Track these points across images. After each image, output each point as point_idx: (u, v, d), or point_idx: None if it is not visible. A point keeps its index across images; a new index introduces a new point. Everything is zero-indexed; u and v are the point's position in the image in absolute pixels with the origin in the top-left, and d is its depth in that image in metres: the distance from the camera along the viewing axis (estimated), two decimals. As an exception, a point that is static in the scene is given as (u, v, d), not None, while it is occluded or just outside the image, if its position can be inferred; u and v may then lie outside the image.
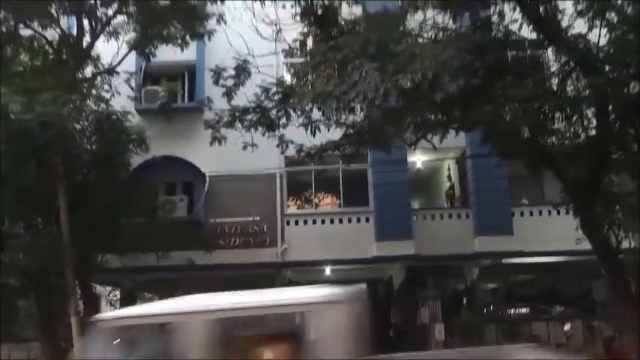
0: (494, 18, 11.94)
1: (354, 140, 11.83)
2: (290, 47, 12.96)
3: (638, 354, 10.20)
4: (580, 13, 11.30)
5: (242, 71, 12.00)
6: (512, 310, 19.55)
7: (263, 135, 11.76)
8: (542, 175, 14.26)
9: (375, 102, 9.18)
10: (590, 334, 17.21)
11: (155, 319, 5.17)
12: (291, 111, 10.88)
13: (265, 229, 17.29)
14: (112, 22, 13.86)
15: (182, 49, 14.95)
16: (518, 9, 11.49)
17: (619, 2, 11.05)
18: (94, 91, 14.30)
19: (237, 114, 11.47)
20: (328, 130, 11.32)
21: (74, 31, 13.71)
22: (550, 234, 15.95)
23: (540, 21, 11.24)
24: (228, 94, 11.85)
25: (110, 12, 13.56)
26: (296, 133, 11.57)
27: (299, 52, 12.98)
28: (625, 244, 11.69)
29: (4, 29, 12.54)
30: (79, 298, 13.35)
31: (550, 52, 12.15)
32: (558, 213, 14.03)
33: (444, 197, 20.02)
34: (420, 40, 11.19)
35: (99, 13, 13.55)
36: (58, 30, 13.56)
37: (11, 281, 12.59)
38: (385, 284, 19.55)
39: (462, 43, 10.54)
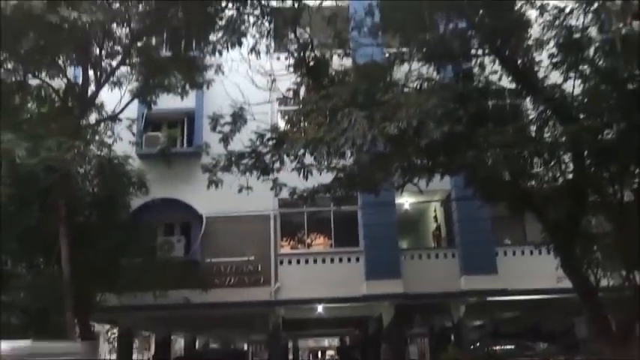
0: (476, 69, 12.16)
1: (344, 183, 11.83)
2: (284, 96, 13.06)
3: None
4: (555, 65, 11.51)
5: (238, 118, 12.10)
6: (498, 347, 19.34)
7: (258, 178, 11.74)
8: (523, 216, 14.32)
9: (363, 148, 9.19)
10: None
11: None
12: (285, 156, 10.88)
13: (259, 269, 17.14)
14: (115, 73, 13.98)
15: (182, 98, 15.11)
16: (497, 61, 11.72)
17: (591, 55, 11.31)
18: (97, 137, 14.38)
19: (233, 158, 11.48)
20: (320, 174, 11.31)
21: (80, 81, 13.80)
22: (532, 273, 15.89)
23: (518, 72, 11.45)
24: (225, 139, 11.90)
25: (114, 63, 13.69)
26: (289, 176, 11.57)
27: (292, 101, 13.09)
28: (603, 283, 11.61)
29: (14, 79, 12.59)
30: (77, 337, 13.10)
31: (528, 101, 12.34)
32: (540, 253, 13.96)
33: (430, 238, 19.99)
34: (405, 89, 11.31)
35: (104, 64, 13.68)
36: (65, 79, 13.66)
37: (12, 320, 12.39)
38: (375, 322, 19.32)
39: (446, 92, 10.66)
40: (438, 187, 14.58)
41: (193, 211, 17.33)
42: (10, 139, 10.86)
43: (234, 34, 12.02)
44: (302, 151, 10.40)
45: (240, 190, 11.97)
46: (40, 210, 13.55)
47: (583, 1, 11.42)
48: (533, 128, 11.36)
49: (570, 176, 11.28)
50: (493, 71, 11.83)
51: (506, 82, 11.95)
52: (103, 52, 13.36)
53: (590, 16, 11.46)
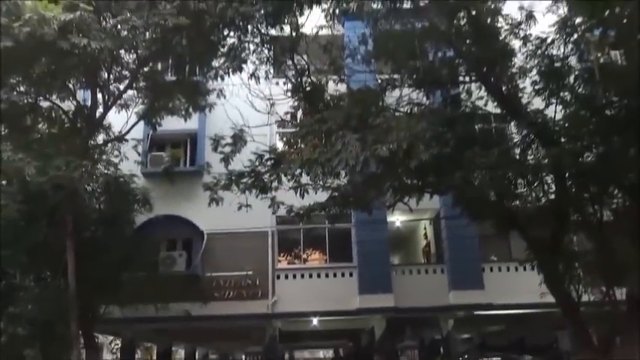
0: (463, 95, 12.27)
1: (338, 202, 11.82)
2: (282, 119, 13.12)
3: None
4: (538, 92, 11.63)
5: (238, 139, 12.14)
6: (485, 359, 19.21)
7: (257, 197, 11.73)
8: (508, 234, 14.31)
9: (356, 168, 9.19)
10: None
11: None
12: (282, 175, 10.89)
13: (257, 283, 17.05)
14: (123, 96, 13.99)
15: (185, 120, 15.12)
16: (483, 88, 11.82)
17: (572, 83, 11.42)
18: (104, 157, 14.35)
19: (233, 178, 11.48)
20: (315, 193, 11.30)
21: (89, 103, 13.81)
22: (517, 288, 15.84)
23: (503, 98, 11.54)
24: (226, 159, 11.93)
25: (122, 86, 13.71)
26: (286, 195, 11.57)
27: (290, 123, 13.14)
28: (585, 298, 11.58)
29: (26, 101, 12.61)
30: (82, 347, 12.97)
31: (512, 126, 12.42)
32: (524, 269, 13.94)
33: (420, 254, 19.98)
34: (396, 114, 11.40)
35: (112, 88, 13.69)
36: (74, 102, 13.67)
37: (19, 331, 12.28)
38: (367, 334, 19.19)
39: (434, 116, 10.76)
40: (428, 206, 14.61)
41: (195, 227, 17.28)
42: (22, 158, 10.85)
43: (236, 61, 12.04)
44: (298, 171, 10.41)
45: (239, 208, 11.98)
46: (48, 225, 13.51)
47: (563, 32, 11.57)
48: (517, 151, 11.42)
49: (553, 197, 11.32)
50: (479, 97, 11.94)
51: (492, 108, 12.04)
52: (111, 76, 13.38)
53: (570, 46, 11.62)
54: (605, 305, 10.94)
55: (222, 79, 12.98)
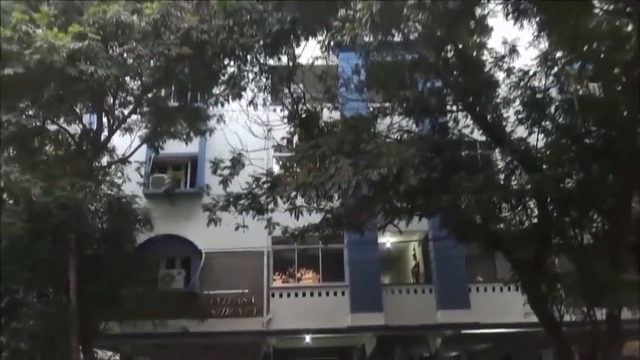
0: (450, 123, 12.36)
1: (331, 223, 11.80)
2: (278, 144, 13.16)
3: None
4: (521, 121, 11.76)
5: (237, 163, 12.10)
6: (472, 377, 19.02)
7: (253, 218, 11.70)
8: (493, 255, 14.32)
9: (349, 192, 9.23)
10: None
11: None
12: (278, 197, 10.89)
13: (253, 301, 16.88)
14: (127, 120, 14.02)
15: (186, 144, 15.14)
16: (469, 116, 11.92)
17: (552, 113, 11.55)
18: (108, 178, 14.30)
19: (231, 199, 11.47)
20: (310, 215, 11.31)
21: (94, 127, 13.82)
22: (503, 308, 15.75)
23: (488, 127, 11.64)
24: (224, 182, 11.88)
25: (126, 111, 13.74)
26: (282, 216, 11.55)
27: (286, 148, 13.16)
28: (567, 318, 11.53)
29: (34, 124, 12.61)
30: (81, 362, 12.78)
31: (497, 152, 12.50)
32: (509, 289, 13.92)
33: (410, 274, 19.84)
34: (387, 140, 11.47)
35: (116, 112, 13.72)
36: (81, 125, 13.68)
37: (21, 345, 12.11)
38: (359, 352, 18.93)
39: (423, 143, 10.84)
40: (417, 228, 14.59)
41: (194, 246, 17.15)
42: (28, 178, 10.81)
43: (235, 88, 12.12)
44: (294, 193, 10.42)
45: (237, 228, 11.93)
46: (52, 243, 13.42)
47: (545, 66, 11.73)
48: (501, 176, 11.50)
49: (535, 220, 11.36)
50: (466, 125, 12.03)
51: (478, 135, 12.14)
52: (117, 101, 13.41)
53: (551, 78, 11.78)
54: (587, 325, 10.88)
55: (222, 105, 13.03)
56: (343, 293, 17.13)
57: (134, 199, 15.11)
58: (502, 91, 12.09)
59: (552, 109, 11.51)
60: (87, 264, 13.17)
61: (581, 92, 11.12)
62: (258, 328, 16.60)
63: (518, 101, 11.87)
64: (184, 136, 14.69)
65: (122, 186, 14.79)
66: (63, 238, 13.01)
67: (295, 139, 12.63)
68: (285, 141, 12.79)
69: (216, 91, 12.91)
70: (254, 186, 11.28)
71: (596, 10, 10.32)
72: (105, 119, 13.67)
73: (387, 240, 18.36)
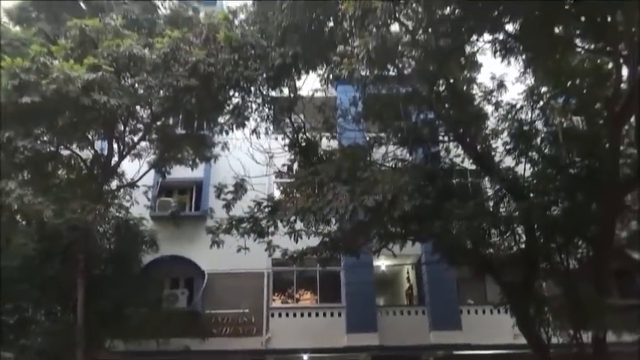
0: (442, 153, 12.43)
1: (329, 247, 11.76)
2: (279, 170, 13.18)
3: None
4: (509, 152, 11.83)
5: (239, 188, 12.12)
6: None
7: (254, 240, 11.67)
8: (484, 279, 14.24)
9: (345, 217, 9.24)
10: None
11: None
12: (278, 221, 10.88)
13: (253, 320, 16.68)
14: (136, 146, 14.09)
15: (192, 169, 15.13)
16: (460, 146, 12.00)
17: (538, 144, 11.63)
18: (116, 201, 14.26)
19: (233, 222, 11.45)
20: (308, 238, 11.26)
21: (105, 152, 13.86)
22: (493, 329, 15.56)
23: (478, 156, 11.71)
24: (228, 206, 11.89)
25: (136, 138, 13.80)
26: (282, 239, 11.51)
27: (286, 175, 13.19)
28: (554, 340, 11.42)
29: (48, 149, 12.65)
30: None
31: (486, 181, 12.54)
32: (499, 312, 13.77)
33: (404, 296, 19.67)
34: (382, 168, 11.50)
35: (127, 139, 13.77)
36: (92, 151, 13.72)
37: (28, 362, 11.98)
38: (354, 371, 18.70)
39: (417, 171, 10.88)
40: (410, 251, 14.54)
41: (197, 267, 17.03)
42: (41, 201, 10.81)
43: (239, 118, 12.19)
44: (293, 217, 10.43)
45: (238, 250, 11.87)
46: (61, 263, 13.33)
47: (531, 100, 11.87)
48: (490, 204, 11.48)
49: (523, 246, 11.32)
50: (457, 155, 12.11)
51: (468, 164, 12.20)
52: (127, 128, 13.48)
53: (536, 112, 11.91)
54: (573, 347, 10.77)
55: (227, 133, 13.11)
56: (340, 314, 16.96)
57: (141, 222, 15.06)
58: (491, 123, 12.22)
59: (538, 140, 11.60)
60: (94, 283, 13.07)
61: (565, 125, 11.27)
62: (257, 347, 16.36)
63: (506, 133, 11.96)
64: (190, 162, 14.72)
65: (130, 209, 14.74)
66: (72, 258, 12.94)
67: (295, 166, 12.67)
68: (285, 168, 12.84)
69: (221, 120, 13.01)
70: (255, 210, 11.28)
71: (579, 49, 10.53)
72: (115, 145, 13.72)
73: (382, 263, 18.28)
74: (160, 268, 16.41)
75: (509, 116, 11.95)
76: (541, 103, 11.71)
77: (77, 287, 12.51)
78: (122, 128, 13.40)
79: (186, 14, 14.21)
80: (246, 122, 12.48)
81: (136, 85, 12.02)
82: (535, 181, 11.14)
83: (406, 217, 9.29)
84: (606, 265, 10.72)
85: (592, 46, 10.17)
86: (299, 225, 10.67)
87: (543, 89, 11.69)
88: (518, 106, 11.94)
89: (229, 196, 11.95)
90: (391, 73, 11.46)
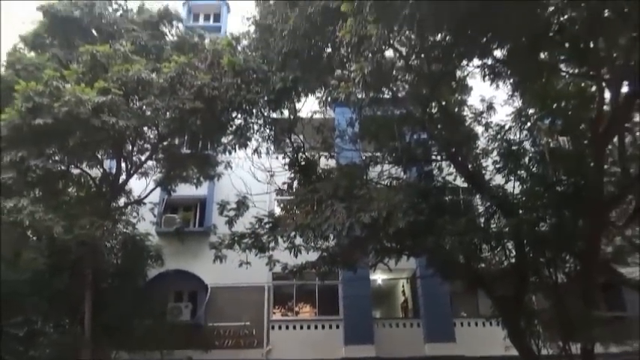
0: (435, 171, 12.44)
1: (327, 261, 11.70)
2: (280, 188, 13.18)
3: None
4: (498, 170, 11.83)
5: (241, 205, 12.13)
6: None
7: (256, 255, 11.62)
8: (476, 292, 14.13)
9: (343, 233, 9.21)
10: None
11: None
12: (279, 237, 10.84)
13: (254, 333, 16.54)
14: (143, 165, 14.12)
15: (196, 187, 15.18)
16: (452, 165, 12.01)
17: (527, 163, 11.66)
18: (124, 217, 14.25)
19: (236, 238, 11.40)
20: (307, 253, 11.20)
21: (113, 171, 13.91)
22: (485, 341, 15.45)
23: (469, 175, 11.71)
24: (230, 222, 11.87)
25: (143, 157, 13.86)
26: (282, 254, 11.47)
27: (286, 192, 13.17)
28: (544, 352, 11.31)
29: (59, 168, 12.68)
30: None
31: (477, 198, 12.53)
32: (491, 324, 13.71)
33: (399, 309, 19.54)
34: (378, 186, 11.50)
35: (134, 158, 13.83)
36: (101, 170, 13.76)
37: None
38: (352, 382, 18.47)
39: (411, 189, 10.87)
40: (405, 266, 14.44)
41: (200, 281, 16.95)
42: (51, 218, 10.80)
43: (242, 138, 12.26)
44: (293, 233, 10.39)
45: (240, 265, 11.82)
46: (70, 277, 13.27)
47: (519, 121, 11.93)
48: (481, 220, 11.45)
49: (513, 260, 11.28)
50: (449, 173, 12.09)
51: (460, 182, 12.19)
52: (135, 148, 13.54)
53: (524, 132, 11.95)
54: (563, 358, 10.67)
55: (230, 153, 13.13)
56: (338, 326, 16.82)
57: (147, 237, 15.05)
58: (481, 143, 12.24)
59: (526, 159, 11.62)
60: (101, 296, 13.01)
61: (551, 145, 11.30)
62: (258, 359, 16.21)
63: (495, 152, 11.98)
64: (195, 180, 14.77)
65: (137, 225, 14.73)
66: (80, 272, 12.89)
67: (295, 184, 12.65)
68: (285, 186, 12.81)
69: (224, 140, 13.05)
70: (257, 226, 11.25)
71: (563, 73, 10.63)
72: (123, 164, 13.77)
73: (378, 277, 18.19)
74: (164, 281, 16.33)
75: (499, 136, 11.99)
76: (528, 124, 11.76)
77: (85, 300, 12.44)
78: (130, 148, 13.46)
79: (192, 41, 14.38)
80: (248, 142, 12.55)
81: (144, 107, 12.10)
82: (524, 199, 11.14)
83: (401, 232, 9.25)
84: (593, 279, 10.67)
85: (576, 71, 10.26)
86: (298, 240, 10.62)
87: (530, 111, 11.76)
88: (506, 127, 11.98)
89: (232, 213, 11.93)
90: (386, 95, 11.54)
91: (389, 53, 9.99)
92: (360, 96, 10.46)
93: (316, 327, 16.95)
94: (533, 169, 11.43)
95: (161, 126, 12.42)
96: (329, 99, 11.71)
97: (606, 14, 8.13)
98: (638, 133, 11.46)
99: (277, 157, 13.18)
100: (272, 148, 13.06)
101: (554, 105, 11.10)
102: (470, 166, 11.76)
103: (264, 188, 13.21)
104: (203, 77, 11.59)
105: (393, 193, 9.67)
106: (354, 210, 9.12)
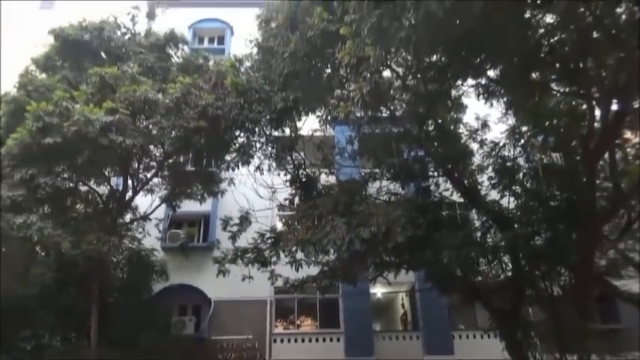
0: (432, 187, 12.44)
1: (328, 275, 11.63)
2: (281, 204, 13.18)
3: None
4: (494, 186, 11.84)
5: (244, 221, 12.09)
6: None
7: (258, 269, 11.56)
8: (473, 305, 14.02)
9: (343, 247, 9.17)
10: None
11: None
12: (280, 252, 10.81)
13: (256, 346, 16.38)
14: (149, 182, 14.14)
15: (200, 203, 15.15)
16: (449, 181, 12.02)
17: (521, 179, 11.67)
18: (130, 233, 14.23)
19: (238, 253, 11.35)
20: (308, 267, 11.14)
21: (120, 188, 13.91)
22: (483, 354, 15.25)
23: (465, 190, 11.71)
24: (233, 237, 11.84)
25: (149, 175, 13.89)
26: (283, 268, 11.41)
27: (288, 208, 13.17)
28: (541, 364, 11.20)
29: (68, 185, 12.68)
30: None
31: (474, 213, 12.51)
32: (488, 337, 13.55)
33: (398, 322, 19.38)
34: (377, 202, 11.49)
35: (140, 175, 13.86)
36: (108, 187, 13.77)
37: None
38: (353, 394, 18.21)
39: (409, 204, 10.85)
40: (404, 279, 14.38)
41: (204, 295, 16.85)
42: (59, 233, 10.78)
43: (244, 156, 12.29)
44: (294, 248, 10.36)
45: (243, 279, 11.74)
46: (76, 291, 13.19)
47: (512, 138, 11.97)
48: (478, 234, 11.43)
49: (509, 273, 11.23)
50: (446, 189, 12.10)
51: (456, 198, 12.18)
52: (141, 166, 13.58)
53: (518, 149, 11.97)
54: (559, 370, 10.55)
55: (233, 170, 13.18)
56: (338, 339, 16.67)
57: (152, 252, 15.01)
58: (476, 159, 12.27)
59: (520, 175, 11.63)
60: (107, 311, 12.92)
61: (544, 161, 11.32)
62: (260, 372, 16.05)
63: (490, 168, 12.01)
64: (199, 197, 14.76)
65: (142, 240, 14.70)
66: (87, 287, 12.82)
67: (296, 200, 12.64)
68: (287, 202, 12.81)
69: (227, 158, 13.10)
70: (259, 241, 11.21)
71: (554, 92, 10.70)
72: (130, 181, 13.79)
73: (378, 290, 18.08)
74: (169, 296, 16.26)
75: (493, 153, 12.03)
76: (522, 141, 11.80)
77: (91, 314, 12.34)
78: (136, 166, 13.50)
79: (197, 62, 14.53)
80: (251, 160, 12.57)
81: (150, 126, 12.17)
82: (519, 213, 11.12)
83: (399, 247, 9.22)
84: (588, 292, 10.60)
85: (567, 90, 10.31)
86: (300, 255, 10.58)
87: (524, 128, 11.80)
88: (501, 144, 12.02)
89: (235, 228, 11.90)
90: (384, 114, 11.58)
91: (386, 74, 10.08)
92: (359, 115, 10.50)
93: (317, 340, 16.79)
94: (528, 184, 11.44)
95: (167, 144, 12.46)
96: (329, 118, 11.75)
97: (595, 36, 8.22)
98: (628, 150, 11.48)
99: (279, 174, 13.20)
100: (274, 165, 13.07)
101: (547, 122, 11.15)
102: (466, 182, 11.76)
103: (266, 204, 13.20)
104: (207, 97, 11.67)
105: (391, 209, 9.64)
106: (353, 225, 9.10)
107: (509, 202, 11.51)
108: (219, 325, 16.55)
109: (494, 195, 11.84)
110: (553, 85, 10.32)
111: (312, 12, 9.72)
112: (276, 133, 12.52)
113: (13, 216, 10.87)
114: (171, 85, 12.22)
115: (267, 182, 12.94)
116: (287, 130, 12.39)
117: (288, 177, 12.79)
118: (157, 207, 14.74)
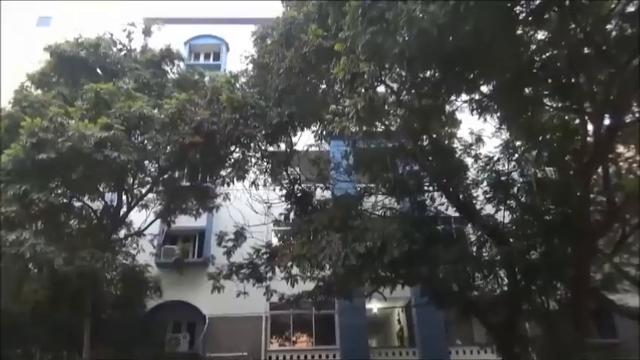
0: (428, 201, 12.44)
1: (323, 291, 11.59)
2: (277, 219, 13.15)
3: None
4: (489, 200, 11.87)
5: (239, 236, 12.04)
6: None
7: (253, 285, 11.50)
8: (470, 320, 13.93)
9: (338, 262, 9.12)
10: None
11: None
12: (276, 267, 10.76)
13: (252, 363, 16.23)
14: (144, 198, 14.07)
15: (195, 219, 15.12)
16: (444, 195, 12.04)
17: (515, 193, 11.70)
18: (124, 249, 14.14)
19: (234, 268, 11.32)
20: (304, 283, 11.09)
21: (114, 203, 13.84)
22: (480, 369, 15.21)
23: (460, 204, 11.72)
24: (228, 253, 11.78)
25: (144, 190, 13.84)
26: (279, 284, 11.36)
27: (283, 223, 13.12)
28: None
29: (61, 201, 12.59)
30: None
31: (469, 227, 12.51)
32: (485, 352, 13.46)
33: (395, 337, 19.24)
34: (372, 216, 11.47)
35: (135, 191, 13.81)
36: (103, 202, 13.69)
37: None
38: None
39: (404, 219, 10.84)
40: (400, 295, 14.29)
41: (198, 311, 16.69)
42: (52, 250, 10.67)
43: (240, 171, 12.22)
44: (290, 263, 10.30)
45: (238, 295, 11.71)
46: (69, 308, 13.02)
47: (507, 152, 12.04)
48: (474, 248, 11.42)
49: (506, 288, 11.18)
50: (441, 203, 12.11)
51: (452, 212, 12.19)
52: (135, 181, 13.53)
53: (512, 163, 12.03)
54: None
55: (228, 185, 13.09)
56: (335, 356, 16.52)
57: (146, 268, 14.86)
58: (471, 173, 12.30)
59: (515, 189, 11.67)
60: (100, 327, 12.74)
61: (538, 175, 11.37)
62: (255, 389, 15.84)
63: (485, 182, 12.04)
64: (194, 212, 14.71)
65: (136, 256, 14.60)
66: (80, 303, 12.65)
67: (291, 215, 12.63)
68: (282, 217, 12.79)
69: (223, 173, 13.07)
70: (254, 257, 11.19)
71: (547, 107, 10.80)
72: (124, 197, 13.73)
73: (374, 306, 17.96)
74: (163, 312, 16.12)
75: (488, 167, 12.07)
76: (516, 155, 11.86)
77: (84, 331, 12.16)
78: (131, 181, 13.45)
79: (193, 78, 14.59)
80: (246, 175, 12.51)
81: (145, 141, 12.17)
82: (514, 227, 11.14)
83: (395, 262, 9.16)
84: (584, 306, 10.55)
85: (559, 105, 10.41)
86: (295, 270, 10.53)
87: (517, 143, 11.87)
88: (495, 159, 12.07)
89: (230, 244, 11.86)
90: (379, 129, 11.60)
91: (381, 89, 10.12)
92: (353, 130, 10.47)
93: (313, 357, 16.64)
94: (522, 198, 11.47)
95: (161, 160, 12.45)
96: (324, 133, 11.80)
97: (586, 52, 8.33)
98: (621, 164, 11.56)
99: (274, 189, 13.19)
100: (269, 180, 13.04)
101: (540, 137, 11.21)
102: (461, 196, 11.78)
103: (262, 219, 13.16)
104: (203, 113, 11.68)
105: (387, 223, 9.61)
106: (349, 240, 9.07)
107: (504, 216, 11.53)
108: (214, 342, 16.37)
109: (489, 209, 11.86)
110: (546, 101, 10.42)
111: (307, 29, 9.81)
112: (271, 149, 12.53)
113: (5, 232, 10.75)
114: (167, 100, 12.25)
115: (262, 197, 12.93)
116: (282, 146, 12.40)
117: (284, 192, 12.80)
118: (151, 222, 14.67)
